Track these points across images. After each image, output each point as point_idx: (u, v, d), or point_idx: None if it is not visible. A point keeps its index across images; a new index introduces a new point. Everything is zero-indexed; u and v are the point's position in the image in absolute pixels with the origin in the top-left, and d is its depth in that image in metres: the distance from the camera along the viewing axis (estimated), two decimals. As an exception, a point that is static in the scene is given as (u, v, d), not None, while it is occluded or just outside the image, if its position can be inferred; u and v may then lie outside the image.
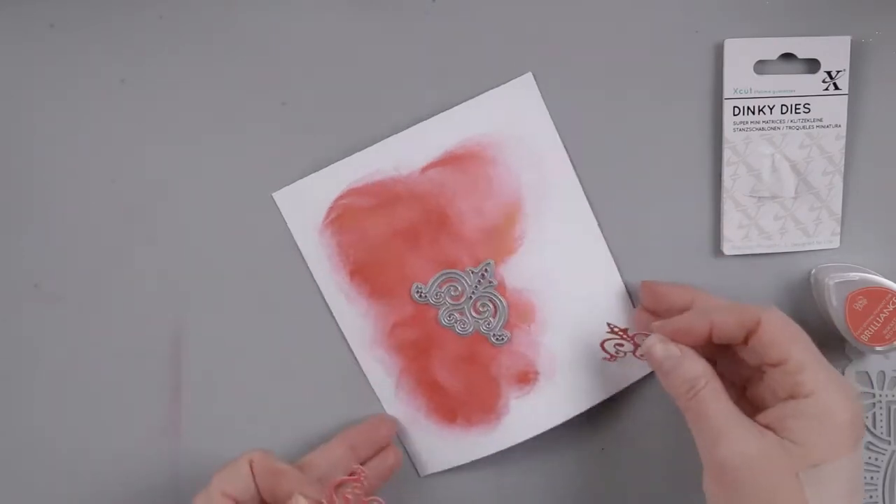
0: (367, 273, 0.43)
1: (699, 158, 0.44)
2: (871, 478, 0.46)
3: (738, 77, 0.42)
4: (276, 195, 0.43)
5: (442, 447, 0.44)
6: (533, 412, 0.44)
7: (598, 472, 0.46)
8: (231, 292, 0.44)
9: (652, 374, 0.45)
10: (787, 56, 0.42)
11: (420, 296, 0.43)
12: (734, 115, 0.42)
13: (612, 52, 0.44)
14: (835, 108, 0.42)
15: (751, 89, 0.42)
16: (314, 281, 0.44)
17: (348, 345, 0.44)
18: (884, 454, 0.45)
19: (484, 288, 0.43)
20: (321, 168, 0.43)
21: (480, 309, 0.43)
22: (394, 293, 0.43)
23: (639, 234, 0.44)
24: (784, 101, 0.42)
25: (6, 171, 0.44)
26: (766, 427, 0.35)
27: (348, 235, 0.43)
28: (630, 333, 0.42)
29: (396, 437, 0.45)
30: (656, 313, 0.42)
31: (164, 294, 0.44)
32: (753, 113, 0.42)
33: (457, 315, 0.43)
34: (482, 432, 0.44)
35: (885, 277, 0.41)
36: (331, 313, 0.44)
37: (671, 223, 0.44)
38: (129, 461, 0.46)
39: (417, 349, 0.44)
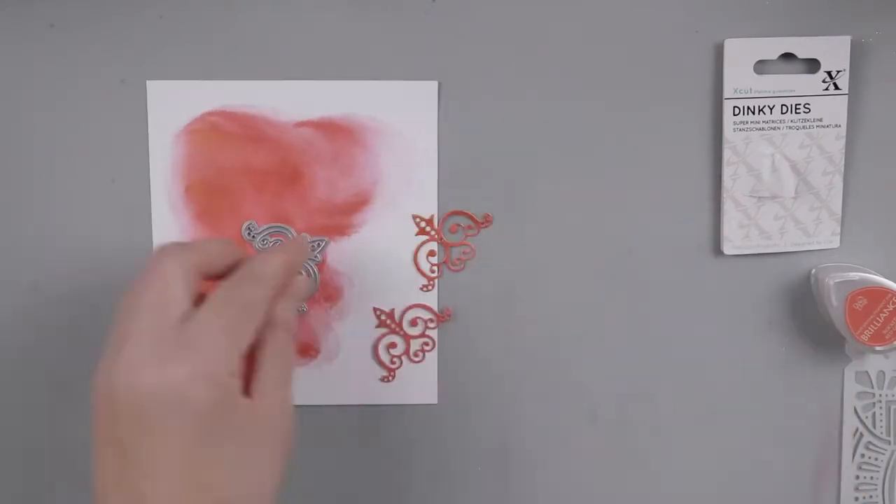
0: (202, 193, 0.44)
1: (699, 158, 0.44)
2: (871, 478, 0.46)
3: (738, 77, 0.42)
4: (150, 84, 0.43)
5: None
6: (302, 383, 0.44)
7: (598, 472, 0.46)
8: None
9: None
10: (787, 56, 0.42)
11: (249, 234, 0.44)
12: (734, 114, 0.42)
13: (612, 52, 0.44)
14: (835, 108, 0.42)
15: (751, 89, 0.42)
16: (148, 183, 0.44)
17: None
18: (884, 454, 0.45)
19: (307, 258, 0.44)
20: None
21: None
22: (220, 223, 0.44)
23: (639, 234, 0.44)
24: (784, 100, 0.42)
25: (6, 171, 0.44)
26: None
27: (201, 151, 0.44)
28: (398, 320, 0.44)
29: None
30: None
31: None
32: (753, 113, 0.42)
33: None
34: None
35: (885, 277, 0.41)
36: (149, 221, 0.44)
37: (671, 223, 0.44)
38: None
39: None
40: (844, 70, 0.41)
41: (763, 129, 0.42)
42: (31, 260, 0.44)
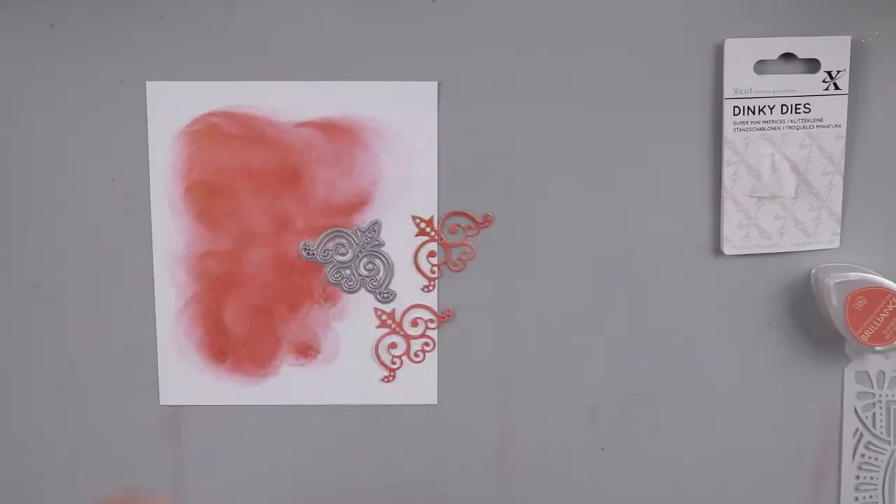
0: (202, 194, 0.44)
1: (699, 158, 0.44)
2: (871, 478, 0.46)
3: (739, 77, 0.42)
4: (150, 84, 0.43)
5: (197, 382, 0.45)
6: (301, 383, 0.45)
7: (598, 472, 0.46)
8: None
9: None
10: (787, 56, 0.42)
11: (308, 252, 0.44)
12: (734, 114, 0.42)
13: (612, 52, 0.44)
14: (835, 108, 0.42)
15: (751, 89, 0.42)
16: (148, 183, 0.44)
17: (153, 258, 0.44)
18: (884, 454, 0.45)
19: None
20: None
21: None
22: (219, 224, 0.44)
23: (639, 235, 0.44)
24: (784, 100, 0.42)
25: (6, 171, 0.44)
26: None
27: (201, 152, 0.44)
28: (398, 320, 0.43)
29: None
30: None
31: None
32: (753, 113, 0.42)
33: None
34: (245, 383, 0.45)
35: (885, 277, 0.41)
36: (149, 221, 0.44)
37: (671, 223, 0.44)
38: (129, 460, 0.46)
39: (219, 283, 0.44)
40: (844, 70, 0.41)
41: (763, 129, 0.42)
42: (32, 260, 0.44)
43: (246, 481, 0.46)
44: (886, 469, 0.45)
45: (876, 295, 0.41)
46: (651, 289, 0.45)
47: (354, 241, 0.44)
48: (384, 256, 0.44)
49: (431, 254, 0.44)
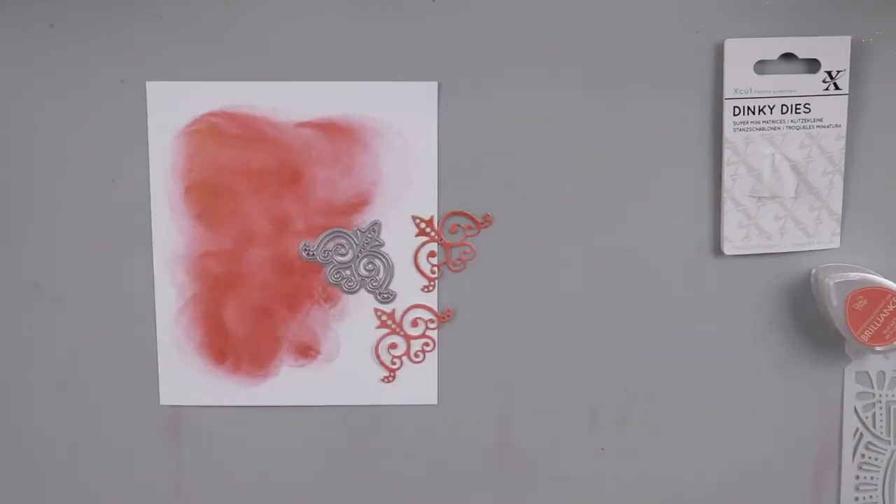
0: (202, 194, 0.44)
1: (699, 158, 0.44)
2: (871, 478, 0.46)
3: (739, 77, 0.42)
4: (150, 84, 0.43)
5: (197, 382, 0.45)
6: (301, 384, 0.45)
7: (598, 472, 0.46)
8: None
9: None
10: (788, 56, 0.42)
11: (308, 253, 0.44)
12: (734, 115, 0.42)
13: (612, 52, 0.44)
14: (835, 108, 0.42)
15: (751, 89, 0.42)
16: (148, 183, 0.44)
17: (153, 258, 0.44)
18: (884, 454, 0.45)
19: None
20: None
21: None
22: (219, 224, 0.44)
23: (639, 234, 0.44)
24: (784, 100, 0.42)
25: (6, 171, 0.44)
26: None
27: (201, 152, 0.44)
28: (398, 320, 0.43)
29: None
30: None
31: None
32: (753, 113, 0.42)
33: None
34: (244, 383, 0.45)
35: (885, 277, 0.41)
36: (149, 221, 0.44)
37: (671, 223, 0.44)
38: (129, 460, 0.46)
39: (219, 283, 0.44)
40: (845, 70, 0.41)
41: (763, 129, 0.42)
42: (32, 260, 0.44)
43: (246, 481, 0.46)
44: (886, 469, 0.45)
45: (876, 295, 0.41)
46: (651, 289, 0.45)
47: (354, 242, 0.44)
48: (384, 257, 0.44)
49: (431, 254, 0.44)
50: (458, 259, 0.44)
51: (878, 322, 0.41)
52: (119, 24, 0.43)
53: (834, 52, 0.42)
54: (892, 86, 0.44)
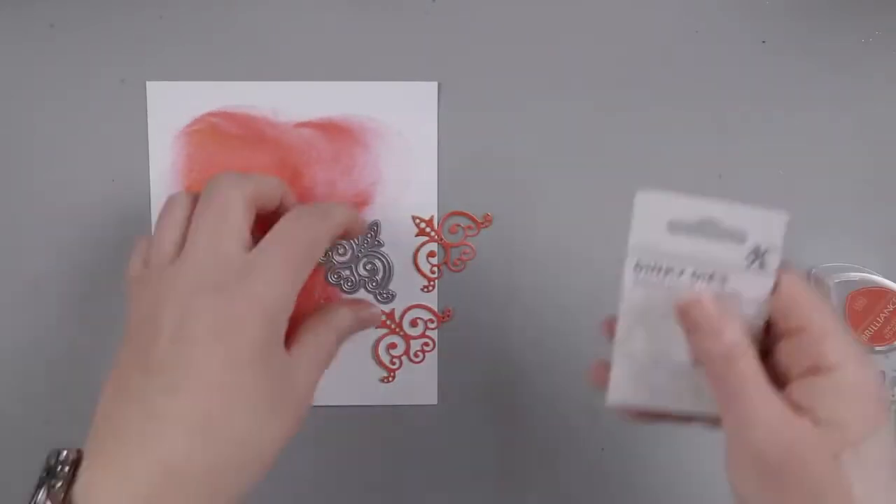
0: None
1: (699, 158, 0.44)
2: (871, 478, 0.45)
3: (647, 232, 0.34)
4: (150, 84, 0.43)
5: None
6: None
7: (598, 472, 0.46)
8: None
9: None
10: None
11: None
12: (635, 271, 0.34)
13: (612, 52, 0.44)
14: (757, 287, 0.33)
15: (659, 248, 0.34)
16: (148, 183, 0.44)
17: None
18: (884, 454, 0.45)
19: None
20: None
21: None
22: None
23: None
24: (697, 267, 0.34)
25: (6, 170, 0.44)
26: (796, 406, 0.31)
27: (201, 152, 0.44)
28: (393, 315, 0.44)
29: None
30: None
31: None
32: (658, 273, 0.34)
33: None
34: None
35: (885, 277, 0.41)
36: (149, 221, 0.44)
37: (671, 223, 0.44)
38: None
39: None
40: (776, 249, 0.33)
41: (669, 290, 0.34)
42: (32, 259, 0.44)
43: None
44: (886, 469, 0.45)
45: (876, 295, 0.41)
46: (651, 289, 0.45)
47: (354, 242, 0.44)
48: (384, 257, 0.44)
49: (431, 254, 0.44)
50: (458, 259, 0.44)
51: (878, 322, 0.41)
52: (119, 24, 0.43)
53: (766, 226, 0.33)
54: (893, 86, 0.44)
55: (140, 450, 0.31)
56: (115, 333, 0.45)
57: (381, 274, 0.44)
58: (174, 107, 0.43)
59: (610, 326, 0.36)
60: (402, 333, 0.45)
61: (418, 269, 0.44)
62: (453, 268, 0.45)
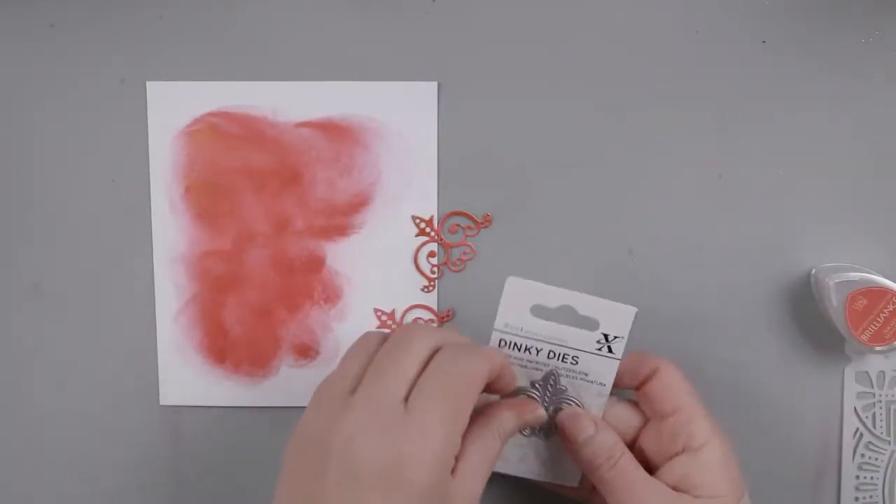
0: (202, 194, 0.44)
1: (699, 158, 0.44)
2: (871, 478, 0.46)
3: (512, 313, 0.39)
4: (150, 84, 0.43)
5: (197, 382, 0.45)
6: (301, 384, 0.45)
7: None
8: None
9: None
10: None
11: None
12: (499, 345, 0.39)
13: (612, 52, 0.44)
14: (603, 368, 0.39)
15: (522, 328, 0.39)
16: (148, 183, 0.44)
17: (152, 258, 0.44)
18: (884, 454, 0.45)
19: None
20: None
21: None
22: (219, 224, 0.44)
23: (640, 234, 0.44)
24: (553, 348, 0.39)
25: (6, 171, 0.44)
26: (674, 486, 0.36)
27: (201, 152, 0.44)
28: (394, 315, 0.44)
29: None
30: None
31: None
32: (519, 350, 0.39)
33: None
34: (244, 383, 0.45)
35: (885, 277, 0.41)
36: (149, 221, 0.44)
37: (671, 223, 0.44)
38: (129, 460, 0.46)
39: (219, 284, 0.44)
40: (623, 338, 0.38)
41: (526, 366, 0.39)
42: (32, 260, 0.44)
43: (246, 482, 0.46)
44: (886, 469, 0.45)
45: (876, 295, 0.41)
46: (650, 288, 0.45)
47: (541, 396, 0.41)
48: (571, 400, 0.40)
49: (431, 254, 0.44)
50: (458, 259, 0.44)
51: (878, 322, 0.41)
52: (119, 24, 0.43)
53: (616, 318, 0.39)
54: (893, 85, 0.44)
55: None
56: (116, 333, 0.45)
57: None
58: (174, 107, 0.43)
59: None
60: None
61: (418, 269, 0.44)
62: (453, 268, 0.45)
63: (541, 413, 0.38)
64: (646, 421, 0.39)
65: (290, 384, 0.45)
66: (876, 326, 0.41)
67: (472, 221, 0.44)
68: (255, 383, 0.45)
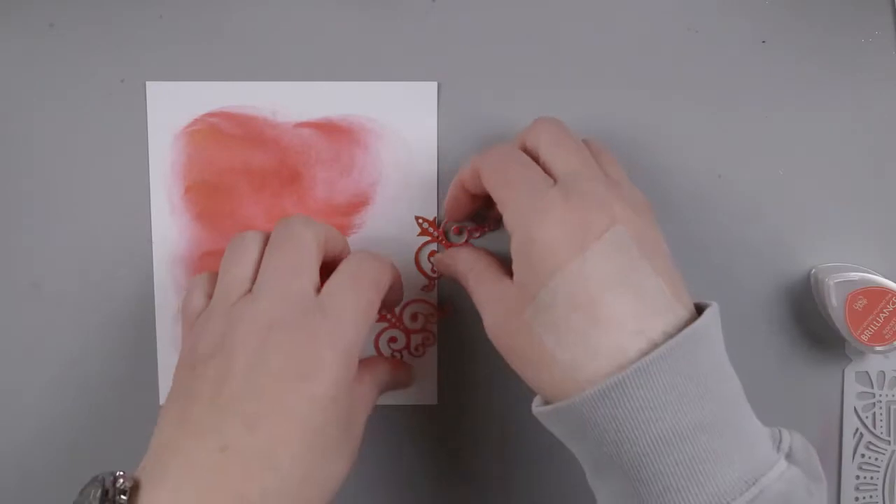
0: (202, 194, 0.44)
1: (699, 157, 0.44)
2: (871, 478, 0.46)
3: None
4: (150, 84, 0.43)
5: None
6: None
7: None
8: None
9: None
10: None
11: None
12: None
13: (612, 51, 0.44)
14: None
15: None
16: (148, 183, 0.44)
17: (152, 259, 0.44)
18: (884, 454, 0.45)
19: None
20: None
21: None
22: (219, 224, 0.44)
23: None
24: None
25: (6, 171, 0.44)
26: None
27: (201, 152, 0.44)
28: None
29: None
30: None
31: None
32: None
33: None
34: None
35: (885, 277, 0.41)
36: (149, 221, 0.44)
37: (671, 223, 0.44)
38: (129, 461, 0.45)
39: None
40: None
41: None
42: (32, 260, 0.44)
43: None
44: (886, 469, 0.45)
45: (876, 295, 0.41)
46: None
47: None
48: None
49: (432, 254, 0.44)
50: (458, 259, 0.44)
51: (878, 322, 0.41)
52: (119, 24, 0.43)
53: None
54: (893, 85, 0.44)
55: (217, 483, 0.30)
56: (116, 333, 0.45)
57: None
58: (174, 107, 0.43)
59: None
60: (402, 328, 0.45)
61: (419, 269, 0.44)
62: None
63: (410, 380, 0.43)
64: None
65: None
66: (876, 326, 0.41)
67: (472, 222, 0.44)
68: None
